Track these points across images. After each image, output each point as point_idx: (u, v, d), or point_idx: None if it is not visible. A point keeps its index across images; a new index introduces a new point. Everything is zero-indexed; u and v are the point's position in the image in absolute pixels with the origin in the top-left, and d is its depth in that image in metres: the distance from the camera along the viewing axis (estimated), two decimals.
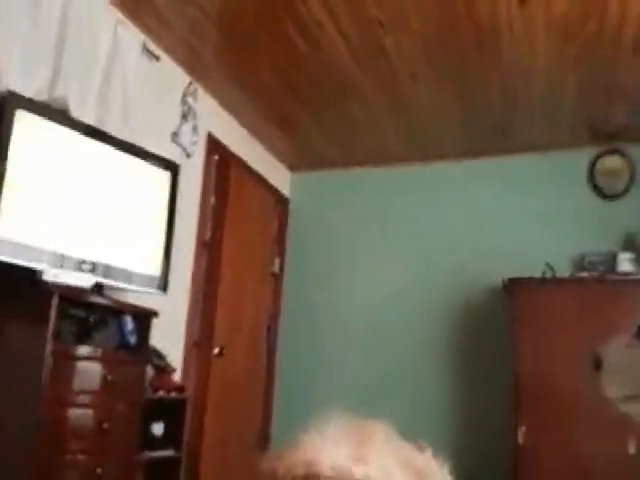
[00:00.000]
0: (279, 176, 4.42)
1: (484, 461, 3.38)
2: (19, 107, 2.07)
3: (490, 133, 3.70)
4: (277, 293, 4.34)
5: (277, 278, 4.35)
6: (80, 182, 2.30)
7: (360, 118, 3.65)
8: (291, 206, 4.52)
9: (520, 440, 3.01)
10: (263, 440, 4.00)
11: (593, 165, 3.71)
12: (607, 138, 3.61)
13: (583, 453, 2.80)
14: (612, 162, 3.67)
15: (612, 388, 0.64)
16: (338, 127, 3.80)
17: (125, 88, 2.77)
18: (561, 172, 3.77)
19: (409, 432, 1.13)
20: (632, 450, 2.52)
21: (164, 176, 2.71)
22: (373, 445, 0.97)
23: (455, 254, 3.91)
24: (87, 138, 2.32)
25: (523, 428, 3.01)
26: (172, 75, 3.22)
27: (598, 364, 0.68)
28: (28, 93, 2.20)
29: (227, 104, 3.65)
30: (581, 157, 3.73)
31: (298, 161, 4.41)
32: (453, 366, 3.80)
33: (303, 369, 4.14)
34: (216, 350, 3.48)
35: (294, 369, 4.17)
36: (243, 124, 3.88)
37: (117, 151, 2.45)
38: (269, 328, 4.22)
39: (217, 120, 3.63)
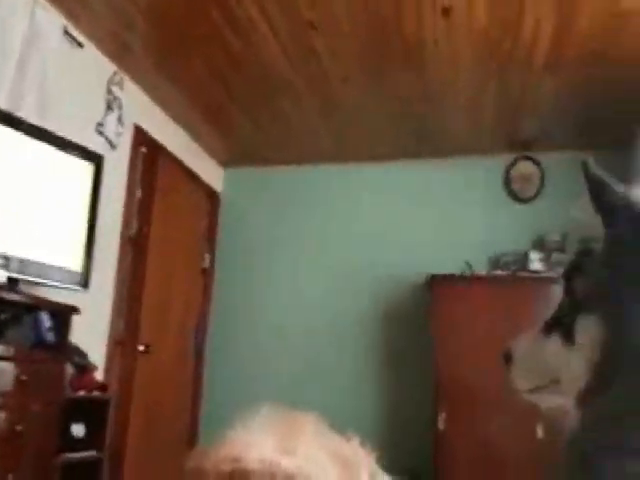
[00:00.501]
0: (210, 171, 4.32)
1: (409, 449, 3.48)
2: None
3: (416, 137, 3.81)
4: (207, 290, 4.23)
5: (207, 274, 4.25)
6: None
7: (293, 117, 3.64)
8: (222, 202, 4.43)
9: (440, 426, 3.13)
10: (191, 440, 3.90)
11: (508, 170, 3.92)
12: (521, 146, 3.83)
13: (496, 438, 2.96)
14: (525, 168, 3.89)
15: (520, 380, 0.68)
16: (271, 125, 3.77)
17: (43, 74, 2.58)
18: (480, 176, 3.96)
19: (337, 424, 1.13)
20: (540, 435, 2.73)
21: (86, 167, 2.56)
22: (302, 437, 0.96)
23: (381, 252, 4.00)
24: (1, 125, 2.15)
25: (443, 415, 3.14)
26: (96, 63, 3.05)
27: (508, 358, 0.73)
28: None
29: (156, 96, 3.50)
30: (498, 163, 3.93)
31: (231, 157, 4.34)
32: (379, 360, 3.88)
33: (232, 367, 4.08)
34: (141, 347, 3.35)
35: (223, 367, 4.09)
36: (173, 117, 3.75)
37: (33, 140, 2.28)
38: (198, 325, 4.11)
39: (145, 111, 3.48)
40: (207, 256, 4.27)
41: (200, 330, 4.13)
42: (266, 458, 0.74)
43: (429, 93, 3.25)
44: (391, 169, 4.12)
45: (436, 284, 3.43)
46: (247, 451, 0.78)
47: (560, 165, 3.68)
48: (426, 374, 3.43)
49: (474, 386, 3.05)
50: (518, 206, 3.86)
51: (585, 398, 0.64)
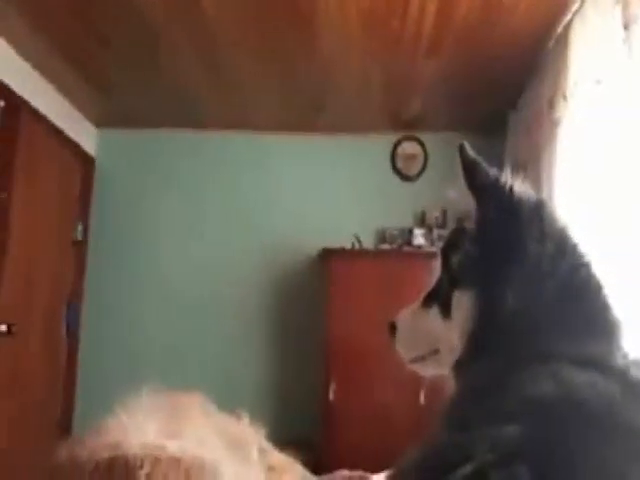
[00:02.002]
0: (83, 132, 3.98)
1: (300, 421, 3.59)
2: None
3: (305, 110, 3.82)
4: (80, 263, 3.96)
5: (80, 246, 3.97)
6: None
7: (174, 77, 3.44)
8: (97, 166, 4.13)
9: (331, 396, 3.27)
10: (65, 429, 3.67)
11: (395, 149, 4.10)
12: (407, 125, 4.01)
13: (384, 405, 3.16)
14: (410, 147, 4.10)
15: (403, 350, 0.74)
16: (150, 84, 3.53)
17: None
18: (368, 153, 4.09)
19: (226, 402, 1.14)
20: (422, 400, 2.97)
21: None
22: (187, 418, 0.95)
23: (272, 224, 4.00)
24: None
25: (333, 385, 3.29)
26: None
27: (392, 329, 0.78)
28: None
29: (16, 43, 3.10)
30: (385, 141, 4.08)
31: (106, 117, 4.02)
32: (270, 333, 3.92)
33: (110, 346, 3.88)
34: (3, 328, 3.06)
35: (99, 347, 3.87)
36: (37, 67, 3.35)
37: None
38: (70, 302, 3.85)
39: (3, 61, 3.10)
40: (80, 227, 3.98)
41: (72, 308, 3.86)
42: (149, 442, 0.72)
43: (319, 67, 3.26)
44: (286, 141, 4.10)
45: (328, 257, 3.53)
46: (127, 436, 0.75)
47: (442, 146, 3.91)
48: (318, 346, 3.54)
49: (364, 356, 3.21)
50: (403, 183, 4.06)
51: (460, 368, 0.70)
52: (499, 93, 3.42)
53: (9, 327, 3.09)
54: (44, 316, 3.54)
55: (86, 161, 4.03)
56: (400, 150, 4.09)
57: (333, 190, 4.05)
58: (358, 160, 4.08)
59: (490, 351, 0.65)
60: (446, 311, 0.73)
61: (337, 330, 3.36)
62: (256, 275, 3.95)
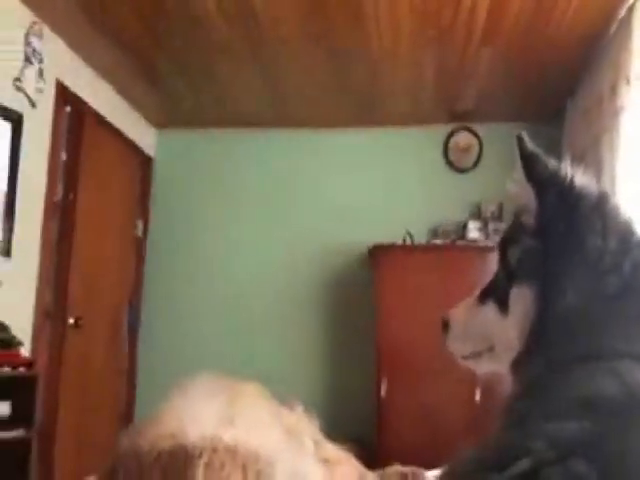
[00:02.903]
0: (143, 133, 4.13)
1: (352, 417, 3.59)
2: None
3: (358, 105, 3.81)
4: (140, 258, 4.11)
5: (140, 242, 4.12)
6: None
7: (230, 78, 3.52)
8: (156, 166, 4.27)
9: (382, 393, 3.25)
10: (127, 416, 3.84)
11: (447, 141, 4.01)
12: (460, 117, 3.92)
13: (437, 402, 3.10)
14: (464, 139, 4.00)
15: (456, 346, 0.72)
16: (207, 85, 3.63)
17: None
18: (420, 146, 4.03)
19: (280, 393, 1.15)
20: (478, 398, 2.91)
21: (4, 127, 2.39)
22: (243, 406, 0.97)
23: (322, 220, 4.01)
24: None
25: (385, 382, 3.26)
26: (12, 12, 2.82)
27: (445, 325, 0.76)
28: None
29: (81, 50, 3.27)
30: (438, 133, 4.01)
31: (165, 119, 4.16)
32: (322, 328, 3.94)
33: (169, 339, 4.02)
34: (71, 321, 3.23)
35: (159, 339, 4.02)
36: (101, 73, 3.53)
37: None
38: (132, 296, 4.00)
39: (69, 66, 3.26)
40: (140, 224, 4.13)
41: (134, 301, 4.03)
42: (207, 432, 0.74)
43: (370, 61, 3.24)
44: (332, 136, 4.10)
45: (378, 253, 3.51)
46: (186, 426, 0.77)
47: (497, 136, 3.80)
48: (369, 343, 3.53)
49: (415, 353, 3.18)
50: (457, 176, 3.97)
51: (517, 365, 0.68)
52: (556, 81, 3.29)
53: (76, 320, 3.25)
54: (108, 309, 3.71)
55: (145, 161, 4.17)
56: (453, 142, 3.99)
57: (384, 185, 4.01)
58: (410, 153, 4.02)
59: (549, 347, 0.62)
60: (503, 307, 0.71)
61: (388, 327, 3.33)
62: (307, 273, 3.97)
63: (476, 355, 0.79)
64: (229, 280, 4.06)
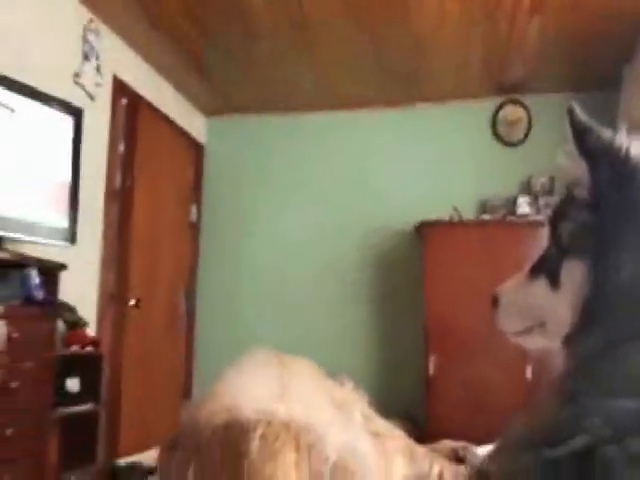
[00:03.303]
0: (193, 121, 4.22)
1: (401, 393, 3.59)
2: None
3: (402, 82, 3.73)
4: (195, 241, 4.23)
5: (194, 227, 4.23)
6: None
7: (273, 64, 3.52)
8: (207, 152, 4.35)
9: (431, 371, 3.23)
10: (185, 390, 3.99)
11: (495, 114, 3.87)
12: (509, 89, 3.77)
13: (486, 379, 3.05)
14: (513, 112, 3.85)
15: (507, 322, 0.70)
16: (253, 72, 3.65)
17: (16, 23, 2.46)
18: (467, 120, 3.91)
19: (329, 369, 1.17)
20: (529, 375, 2.84)
21: (66, 121, 2.48)
22: (296, 381, 0.99)
23: (369, 198, 3.99)
24: None
25: (433, 359, 3.24)
26: (71, 10, 2.91)
27: (495, 301, 0.74)
28: None
29: (135, 44, 3.36)
30: (485, 106, 3.87)
31: (213, 106, 4.22)
32: (370, 306, 3.94)
33: (223, 317, 4.12)
34: (132, 302, 3.37)
35: (214, 318, 4.14)
36: (153, 66, 3.61)
37: (11, 93, 2.20)
38: (188, 277, 4.13)
39: (124, 61, 3.35)
40: (194, 209, 4.23)
41: (190, 281, 4.15)
42: (261, 406, 0.76)
43: (415, 37, 3.15)
44: (378, 115, 4.05)
45: (425, 230, 3.45)
46: (241, 400, 0.79)
47: (547, 108, 3.63)
48: (417, 320, 3.51)
49: (464, 330, 3.13)
50: (505, 150, 3.84)
51: (570, 340, 0.65)
52: (611, 47, 3.10)
53: (137, 301, 3.39)
54: (166, 290, 3.84)
55: (197, 148, 4.26)
56: (502, 115, 3.85)
57: (431, 161, 3.93)
58: (456, 129, 3.91)
59: (603, 322, 0.60)
60: (555, 282, 0.69)
61: (436, 304, 3.29)
62: (355, 252, 3.97)
63: (527, 331, 0.77)
64: (278, 261, 4.11)
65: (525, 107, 3.82)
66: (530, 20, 2.95)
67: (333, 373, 1.11)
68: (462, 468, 0.99)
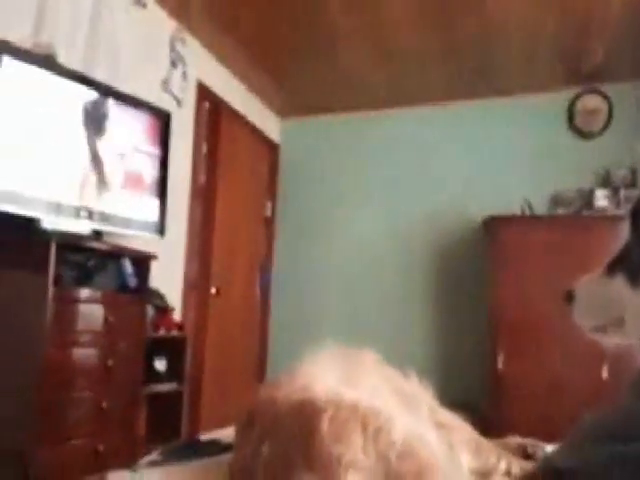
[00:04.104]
0: (269, 122, 4.31)
1: (466, 388, 3.49)
2: (4, 53, 1.96)
3: (473, 76, 3.59)
4: (269, 236, 4.33)
5: (269, 222, 4.34)
6: (72, 130, 2.21)
7: (345, 64, 3.51)
8: (281, 151, 4.44)
9: (499, 365, 3.11)
10: (259, 372, 4.11)
11: (572, 105, 3.64)
12: (586, 78, 3.52)
13: (559, 378, 2.90)
14: (591, 102, 3.60)
15: (583, 318, 0.65)
16: (325, 72, 3.67)
17: (113, 35, 2.62)
18: (540, 112, 3.70)
19: (395, 360, 1.15)
20: (605, 375, 2.66)
21: (157, 124, 2.62)
22: (364, 371, 0.99)
23: (441, 193, 3.90)
24: (76, 85, 2.22)
25: (502, 355, 3.11)
26: (160, 22, 3.06)
27: (570, 297, 0.69)
28: (11, 40, 2.07)
29: (216, 51, 3.49)
30: (560, 97, 3.65)
31: (287, 107, 4.29)
32: (437, 299, 3.86)
33: (295, 308, 4.20)
34: (213, 290, 3.51)
35: (287, 308, 4.22)
36: (232, 71, 3.73)
37: (107, 99, 2.35)
38: (263, 270, 4.24)
39: (206, 67, 3.49)
40: (269, 205, 4.34)
41: (265, 275, 4.26)
42: (332, 389, 0.77)
43: (486, 29, 3.01)
44: (448, 110, 3.94)
45: (494, 224, 3.32)
46: (314, 382, 0.81)
47: (629, 97, 3.37)
48: (483, 315, 3.39)
49: (536, 326, 2.98)
50: (582, 142, 3.60)
51: None
52: None
53: (217, 290, 3.52)
54: (243, 281, 3.96)
55: (272, 148, 4.35)
56: (579, 105, 3.61)
57: (502, 155, 3.77)
58: (529, 121, 3.72)
59: None
60: (635, 278, 0.64)
61: (506, 299, 3.15)
62: (421, 246, 3.90)
63: (604, 328, 0.72)
64: (348, 252, 4.13)
65: (605, 96, 3.56)
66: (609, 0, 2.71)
67: (398, 366, 1.10)
68: (531, 465, 0.95)
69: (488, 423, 2.93)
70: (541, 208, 3.50)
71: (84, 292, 2.10)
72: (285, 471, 0.69)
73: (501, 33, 3.06)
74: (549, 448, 1.13)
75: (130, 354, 2.28)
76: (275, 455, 0.72)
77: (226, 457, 0.96)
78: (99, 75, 2.43)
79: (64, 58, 2.29)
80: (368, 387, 0.84)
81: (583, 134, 3.60)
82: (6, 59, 1.95)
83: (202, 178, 3.53)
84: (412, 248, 3.93)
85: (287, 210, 4.35)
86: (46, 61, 2.15)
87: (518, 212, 3.39)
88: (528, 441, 1.13)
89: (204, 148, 3.54)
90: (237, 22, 3.11)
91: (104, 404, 2.10)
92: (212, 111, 3.60)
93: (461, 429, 0.98)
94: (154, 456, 1.15)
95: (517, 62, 3.38)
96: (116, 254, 2.34)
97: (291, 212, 4.33)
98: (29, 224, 2.01)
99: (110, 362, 2.13)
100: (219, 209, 3.58)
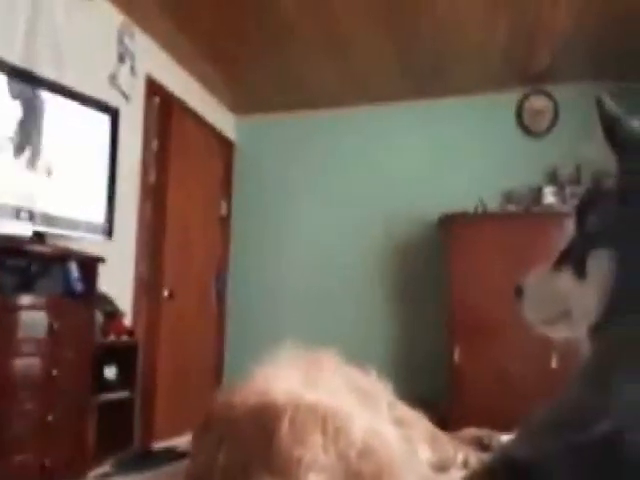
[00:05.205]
0: (223, 119, 4.26)
1: (424, 382, 3.57)
2: None
3: (425, 75, 3.68)
4: (225, 235, 4.28)
5: (225, 221, 4.28)
6: (14, 127, 2.11)
7: (301, 61, 3.52)
8: (236, 149, 4.40)
9: (456, 359, 3.21)
10: (216, 378, 4.06)
11: (521, 105, 3.79)
12: (534, 79, 3.68)
13: (511, 369, 3.02)
14: (538, 102, 3.76)
15: (531, 313, 0.69)
16: (280, 70, 3.66)
17: (55, 28, 2.52)
18: (491, 112, 3.84)
19: (355, 359, 1.17)
20: (554, 365, 2.79)
21: (103, 120, 2.54)
22: (323, 371, 1.00)
23: (394, 191, 3.97)
24: (17, 80, 2.12)
25: (458, 348, 3.21)
26: (107, 15, 2.97)
27: (519, 291, 0.73)
28: None
29: (166, 45, 3.41)
30: (510, 97, 3.80)
31: (242, 104, 4.25)
32: (394, 296, 3.93)
33: (252, 308, 4.17)
34: (166, 293, 3.43)
35: (244, 309, 4.19)
36: (184, 66, 3.66)
37: (52, 95, 2.26)
38: (218, 271, 4.19)
39: (156, 61, 3.40)
40: (224, 203, 4.28)
41: (220, 275, 4.21)
42: (291, 391, 0.77)
43: (438, 28, 3.10)
44: (401, 109, 4.02)
45: (449, 222, 3.42)
46: (272, 384, 0.81)
47: (574, 97, 3.53)
48: (439, 310, 3.48)
49: (489, 320, 3.09)
50: (531, 140, 3.76)
51: (596, 330, 0.64)
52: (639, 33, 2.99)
53: (170, 292, 3.45)
54: (198, 282, 3.90)
55: (227, 145, 4.30)
56: (527, 105, 3.77)
57: (455, 153, 3.88)
58: (480, 120, 3.85)
59: (630, 312, 0.59)
60: (580, 272, 0.68)
61: (461, 295, 3.26)
62: (377, 244, 3.96)
63: (552, 321, 0.76)
64: (305, 252, 4.14)
65: (551, 97, 3.73)
66: (558, 3, 2.83)
67: (358, 362, 1.12)
68: (487, 455, 0.99)
69: (446, 417, 3.02)
70: (494, 205, 3.62)
71: (25, 298, 2.01)
72: (244, 476, 0.69)
73: (453, 33, 3.15)
74: (504, 438, 1.17)
75: (77, 362, 2.20)
76: (233, 460, 0.72)
77: (182, 465, 0.95)
78: (43, 71, 2.33)
79: (2, 52, 2.19)
80: (327, 387, 0.85)
81: (531, 133, 3.76)
82: None
83: (152, 176, 3.44)
84: (369, 247, 3.98)
85: (243, 209, 4.31)
86: None
87: (472, 210, 3.50)
88: (484, 432, 1.17)
89: (154, 145, 3.46)
90: (189, 16, 3.06)
91: (49, 416, 2.02)
92: (162, 106, 3.52)
93: (419, 424, 1.01)
94: (105, 468, 1.12)
95: (468, 62, 3.49)
96: (61, 257, 2.25)
97: (247, 211, 4.30)
98: None
99: (55, 372, 2.05)
100: (171, 208, 3.50)
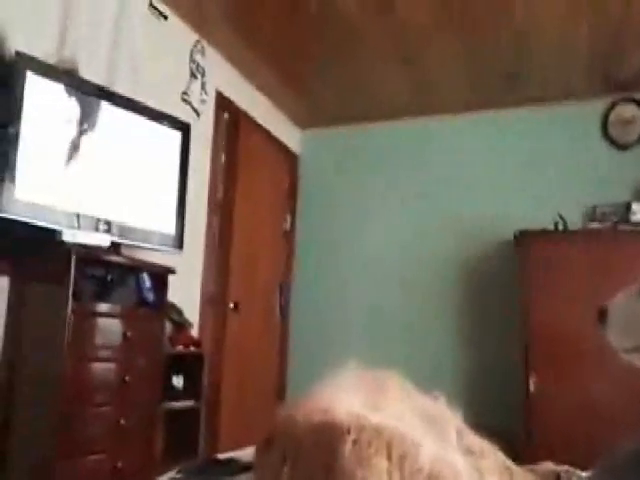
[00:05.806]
0: (289, 133, 4.36)
1: (497, 410, 3.43)
2: (29, 69, 2.04)
3: (501, 84, 3.59)
4: (289, 249, 4.35)
5: (289, 235, 4.36)
6: (93, 143, 2.28)
7: (367, 72, 3.55)
8: (301, 163, 4.47)
9: (531, 389, 3.05)
10: (279, 390, 4.10)
11: (607, 114, 3.60)
12: (621, 86, 3.49)
13: (595, 401, 2.83)
14: (626, 111, 3.56)
15: (617, 339, 0.64)
16: (346, 83, 3.71)
17: (133, 48, 2.69)
18: (573, 122, 3.68)
19: (422, 382, 1.15)
20: None
21: (175, 136, 2.68)
22: (388, 394, 0.99)
23: (469, 206, 3.87)
24: (98, 99, 2.29)
25: (534, 377, 3.05)
26: (179, 33, 3.14)
27: (603, 316, 0.68)
28: (36, 55, 2.15)
29: (235, 61, 3.56)
30: (594, 107, 3.62)
31: (307, 118, 4.33)
32: (464, 318, 3.82)
33: (316, 323, 4.19)
34: (231, 305, 3.53)
35: (307, 324, 4.22)
36: (251, 82, 3.80)
37: (127, 112, 2.42)
38: (282, 284, 4.26)
39: (226, 78, 3.56)
40: (288, 217, 4.36)
41: (284, 289, 4.27)
42: (354, 411, 0.77)
43: (517, 36, 3.02)
44: (478, 120, 3.93)
45: (527, 239, 3.28)
46: (336, 404, 0.81)
47: None
48: (513, 334, 3.34)
49: (568, 346, 2.92)
50: (618, 153, 3.56)
51: None
52: None
53: (236, 305, 3.54)
54: (262, 295, 3.98)
55: (292, 159, 4.39)
56: (613, 115, 3.58)
57: (533, 167, 3.74)
58: (561, 131, 3.69)
59: None
60: None
61: (538, 318, 3.09)
62: (448, 262, 3.86)
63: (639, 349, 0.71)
64: (371, 267, 4.11)
65: None
66: None
67: (425, 387, 1.09)
68: None
69: (520, 448, 2.87)
70: (575, 221, 3.44)
71: (102, 306, 2.14)
72: None
73: (532, 39, 3.05)
74: (584, 475, 1.11)
75: (148, 370, 2.30)
76: (296, 478, 0.72)
77: (245, 477, 0.97)
78: (120, 88, 2.50)
79: (85, 73, 2.37)
80: (393, 411, 0.84)
81: (618, 145, 3.55)
82: (29, 74, 2.03)
83: (220, 190, 3.58)
84: (440, 264, 3.89)
85: (307, 223, 4.36)
86: (68, 76, 2.22)
87: (551, 226, 3.34)
88: (562, 468, 1.11)
89: (222, 160, 3.59)
90: (256, 32, 3.18)
91: (122, 420, 2.13)
92: (231, 122, 3.66)
93: (491, 455, 0.97)
94: (173, 474, 1.17)
95: (548, 69, 3.37)
96: (135, 268, 2.38)
97: (311, 226, 4.34)
98: (50, 236, 2.06)
99: (128, 377, 2.16)
100: (237, 222, 3.61)
